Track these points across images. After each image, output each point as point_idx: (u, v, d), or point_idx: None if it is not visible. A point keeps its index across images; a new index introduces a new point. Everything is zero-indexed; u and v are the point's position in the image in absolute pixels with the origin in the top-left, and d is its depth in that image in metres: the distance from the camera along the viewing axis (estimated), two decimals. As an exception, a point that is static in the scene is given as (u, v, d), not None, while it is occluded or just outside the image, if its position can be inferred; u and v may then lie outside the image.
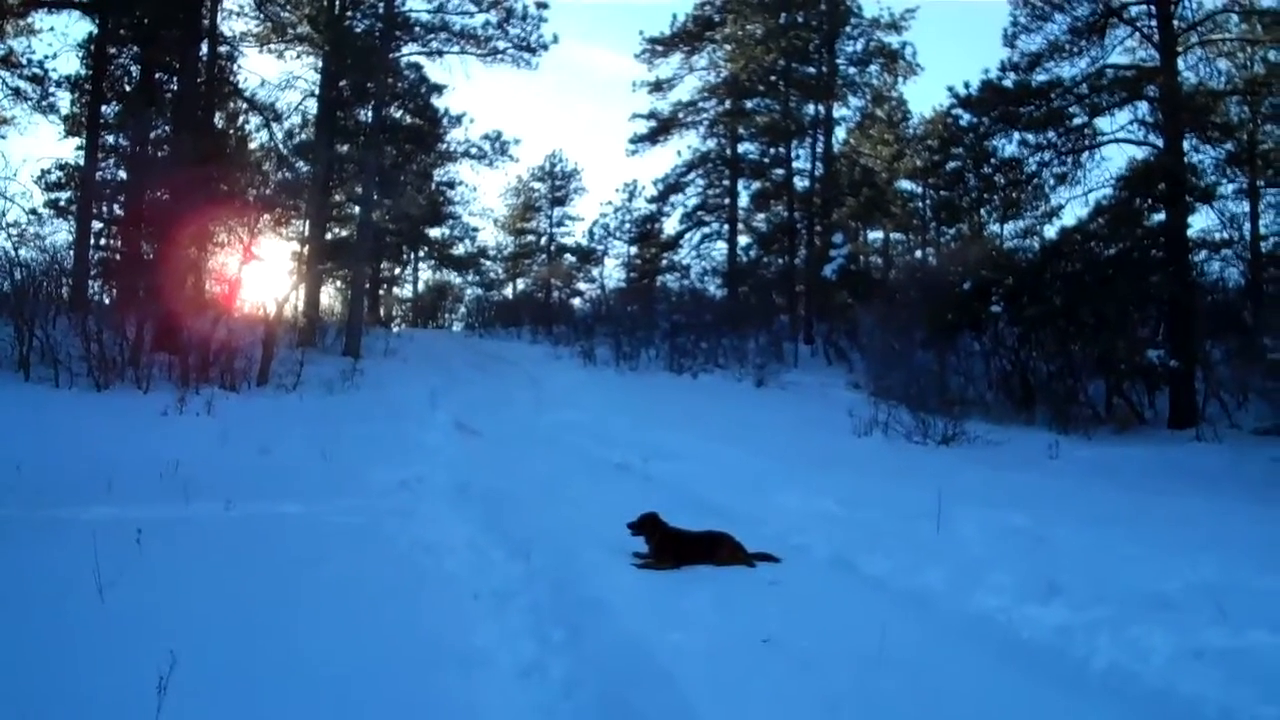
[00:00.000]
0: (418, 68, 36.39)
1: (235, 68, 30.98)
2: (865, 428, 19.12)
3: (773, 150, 43.73)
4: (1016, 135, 25.36)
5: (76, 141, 28.52)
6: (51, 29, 28.84)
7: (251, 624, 5.74)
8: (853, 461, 15.44)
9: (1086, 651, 5.77)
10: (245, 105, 31.73)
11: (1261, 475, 15.02)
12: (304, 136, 34.24)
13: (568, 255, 57.14)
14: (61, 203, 28.77)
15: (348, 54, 29.29)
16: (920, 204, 43.34)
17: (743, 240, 46.57)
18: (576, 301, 52.92)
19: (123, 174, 28.50)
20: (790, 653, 5.70)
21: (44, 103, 27.37)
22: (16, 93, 26.93)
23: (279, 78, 44.04)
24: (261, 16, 29.94)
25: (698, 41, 44.00)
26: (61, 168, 28.48)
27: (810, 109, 42.29)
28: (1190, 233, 23.89)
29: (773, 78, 41.94)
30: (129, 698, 4.43)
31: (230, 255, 25.28)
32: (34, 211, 27.30)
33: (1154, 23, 22.99)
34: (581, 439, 17.01)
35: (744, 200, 46.15)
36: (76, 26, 46.08)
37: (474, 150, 40.36)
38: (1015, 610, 6.52)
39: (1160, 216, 23.50)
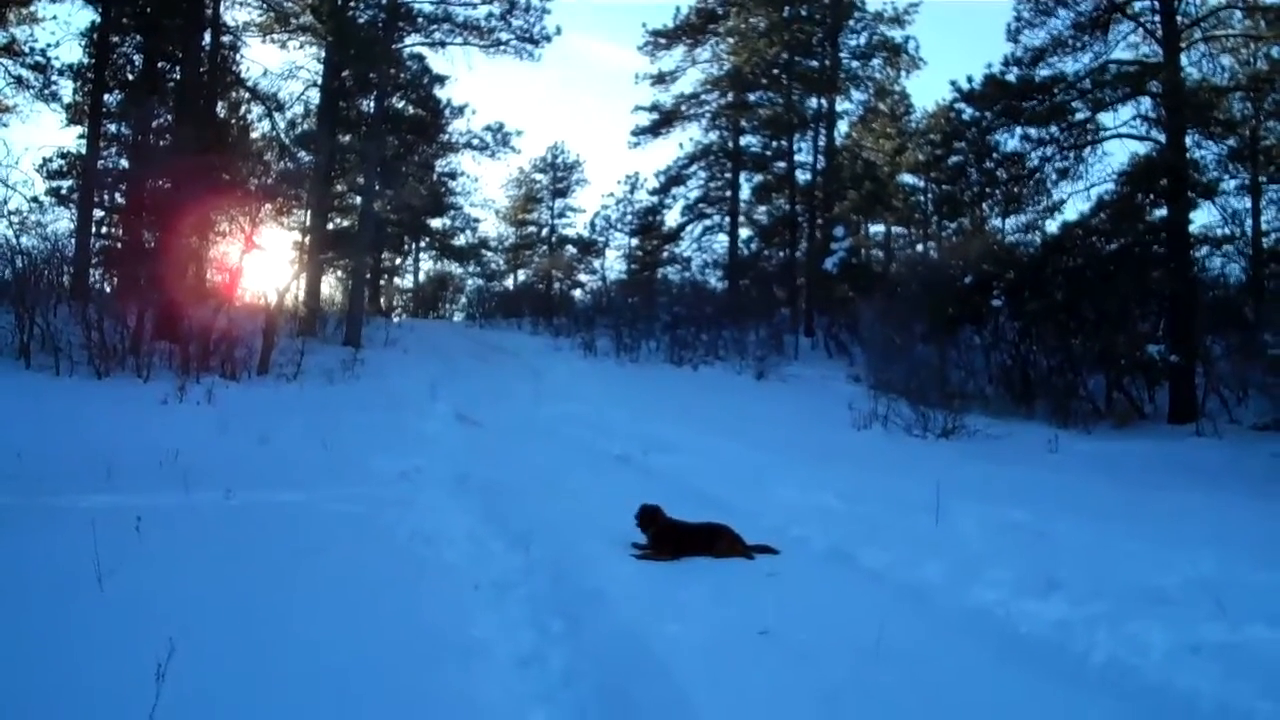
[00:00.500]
0: (420, 58, 36.45)
1: (238, 57, 30.97)
2: (865, 421, 19.15)
3: (775, 143, 43.74)
4: (1019, 130, 25.44)
5: (79, 130, 28.57)
6: (54, 18, 28.86)
7: (250, 612, 5.74)
8: (852, 454, 15.47)
9: (1085, 646, 5.76)
10: (248, 95, 31.76)
11: (1261, 470, 15.05)
12: (306, 126, 34.20)
13: (569, 247, 57.14)
14: (63, 191, 28.82)
15: (350, 44, 29.28)
16: (922, 198, 43.40)
17: (744, 233, 46.74)
18: (577, 293, 53.07)
19: (124, 163, 28.50)
20: (788, 645, 5.69)
21: (46, 91, 27.38)
22: (19, 81, 26.94)
23: (281, 67, 44.06)
24: (264, 6, 30.01)
25: (700, 34, 43.97)
26: (63, 156, 28.45)
27: (813, 102, 42.31)
28: (1192, 228, 23.99)
29: (775, 71, 41.93)
30: (128, 685, 4.43)
31: (231, 244, 25.33)
32: (35, 199, 27.42)
33: (1157, 18, 23.02)
34: (581, 430, 17.02)
35: (745, 193, 46.31)
36: (79, 15, 46.20)
37: (476, 141, 40.43)
38: (1014, 604, 6.51)
39: (1162, 212, 23.54)
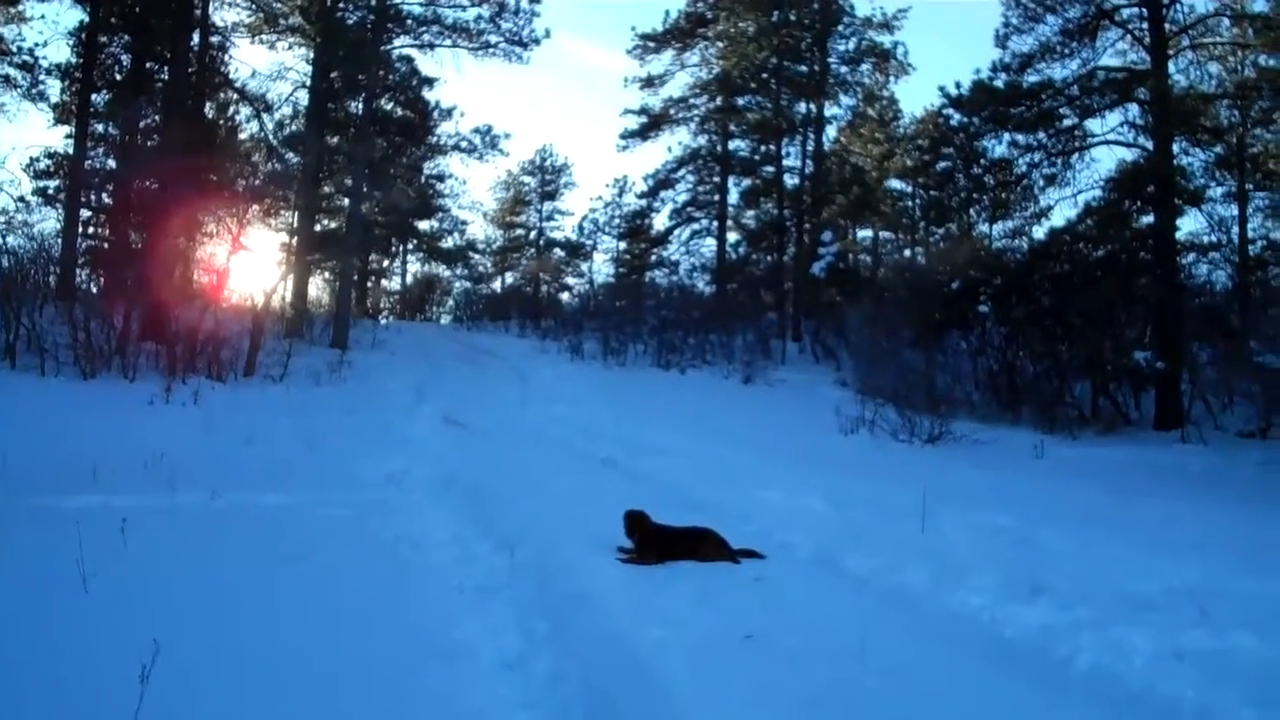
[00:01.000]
0: (409, 60, 36.53)
1: (226, 58, 30.86)
2: (852, 426, 19.16)
3: (763, 148, 43.73)
4: (1007, 136, 25.48)
5: (66, 129, 28.55)
6: (42, 17, 28.86)
7: (235, 614, 5.74)
8: (839, 459, 15.49)
9: (1068, 652, 5.78)
10: (236, 96, 31.63)
11: (1246, 478, 15.11)
12: (294, 128, 34.15)
13: (557, 250, 57.13)
14: (50, 191, 28.79)
15: (339, 46, 29.25)
16: (910, 203, 43.44)
17: (732, 237, 46.63)
18: (565, 296, 53.10)
19: (112, 163, 28.48)
20: (773, 649, 5.70)
21: (34, 90, 27.38)
22: (6, 80, 26.93)
23: (270, 68, 43.99)
24: (253, 7, 29.98)
25: (690, 38, 43.99)
26: (50, 156, 28.44)
27: (801, 107, 42.33)
28: (1178, 235, 24.08)
29: (764, 75, 41.90)
30: (112, 687, 4.43)
31: (219, 245, 25.27)
32: (22, 199, 27.41)
33: (1145, 25, 23.07)
34: (568, 434, 17.00)
35: (734, 197, 46.14)
36: (67, 14, 46.07)
37: (464, 144, 40.50)
38: (998, 610, 6.52)
39: (1149, 219, 23.63)
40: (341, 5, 30.43)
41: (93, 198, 28.22)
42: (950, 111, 27.52)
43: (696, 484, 11.82)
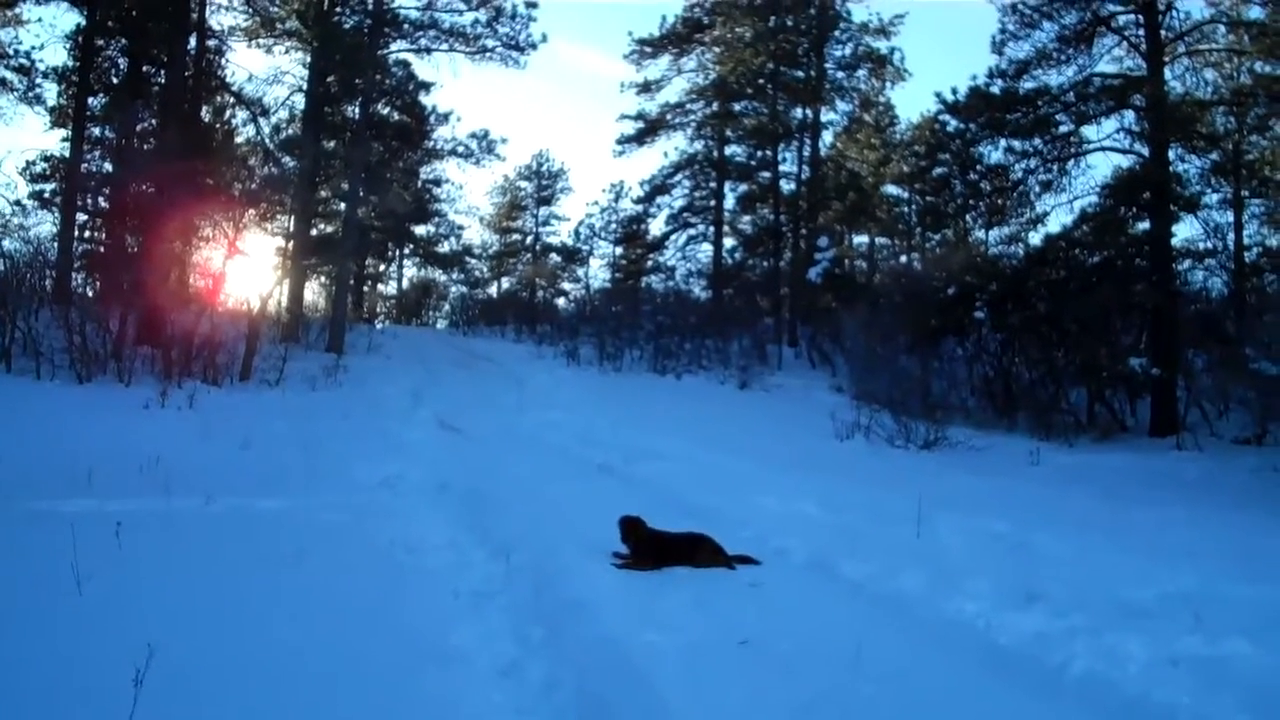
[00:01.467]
0: (405, 65, 36.46)
1: (223, 62, 30.89)
2: (847, 431, 19.15)
3: (760, 153, 43.66)
4: (1003, 142, 25.46)
5: (62, 133, 28.50)
6: (39, 20, 28.69)
7: (230, 619, 5.73)
8: (834, 465, 15.48)
9: (1063, 658, 5.77)
10: (232, 99, 31.65)
11: (1241, 485, 15.10)
12: (291, 132, 34.17)
13: (553, 255, 57.27)
14: (46, 194, 28.80)
15: (336, 50, 29.24)
16: (906, 209, 43.62)
17: (728, 242, 46.60)
18: (561, 301, 53.14)
19: (108, 166, 28.44)
20: (768, 655, 5.71)
21: (30, 94, 27.38)
22: (3, 83, 26.96)
23: (266, 72, 44.19)
24: (250, 11, 29.96)
25: (686, 44, 43.97)
26: (47, 159, 28.47)
27: (798, 113, 42.23)
28: (1174, 242, 24.04)
29: (761, 81, 41.87)
30: (105, 691, 4.42)
31: (215, 249, 25.20)
32: (18, 203, 27.42)
33: (1142, 32, 23.11)
34: (564, 439, 16.99)
35: (730, 202, 46.17)
36: (64, 18, 46.08)
37: (461, 148, 40.40)
38: (993, 616, 6.52)
39: (1145, 225, 23.61)
40: (338, 9, 30.45)
41: (89, 201, 28.18)
42: (946, 117, 27.54)
43: (692, 489, 11.81)
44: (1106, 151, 24.28)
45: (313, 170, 33.03)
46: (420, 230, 54.92)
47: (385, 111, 37.90)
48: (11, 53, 26.76)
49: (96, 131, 29.20)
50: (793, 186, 42.15)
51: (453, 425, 17.69)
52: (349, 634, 5.68)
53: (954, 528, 9.36)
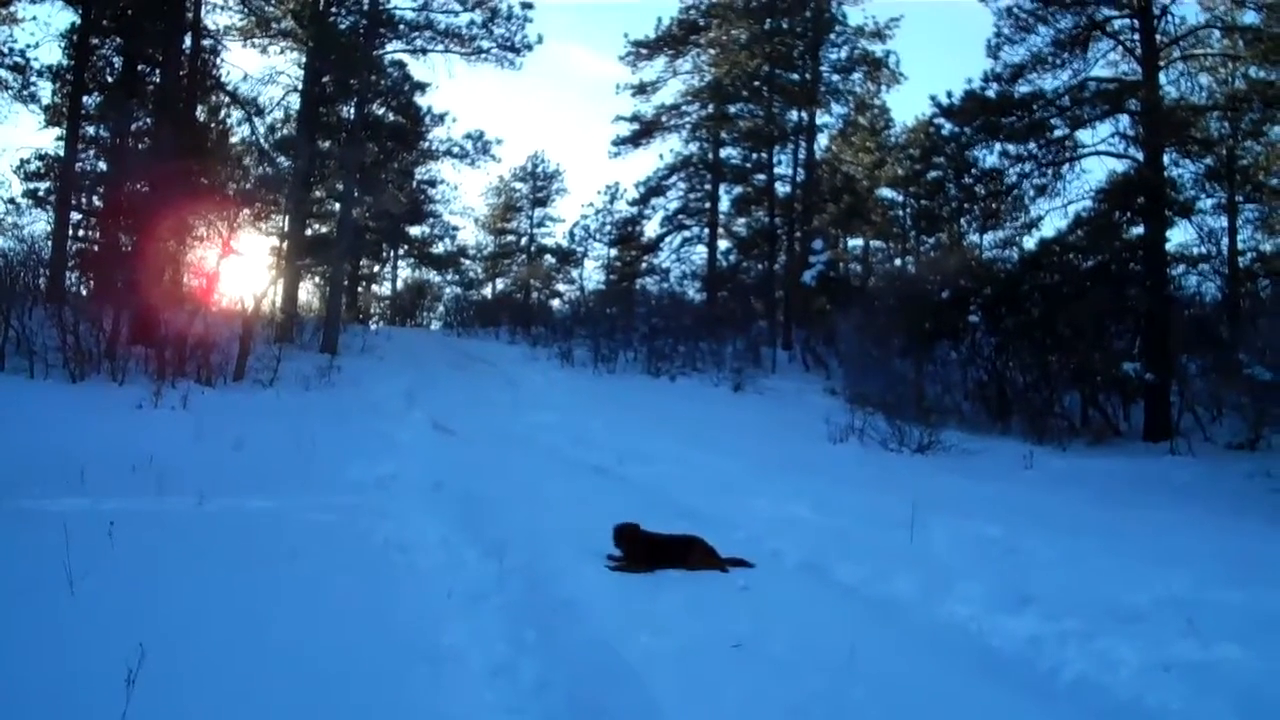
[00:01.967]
0: (401, 65, 36.42)
1: (218, 61, 30.73)
2: (841, 434, 19.17)
3: (755, 155, 43.69)
4: (998, 146, 25.51)
5: (57, 132, 28.39)
6: (34, 18, 28.61)
7: (222, 619, 5.71)
8: (828, 468, 15.50)
9: (1056, 662, 5.78)
10: (227, 99, 31.52)
11: (1234, 489, 15.12)
12: (285, 132, 34.08)
13: (548, 256, 57.26)
14: (40, 193, 28.68)
15: (331, 50, 29.19)
16: (900, 212, 43.56)
17: (723, 245, 46.66)
18: (555, 303, 53.06)
19: (103, 165, 28.40)
20: (760, 658, 5.70)
21: (25, 92, 27.23)
22: (-3, 81, 26.81)
23: (262, 72, 44.11)
24: (245, 10, 29.83)
25: (682, 45, 43.92)
26: (41, 158, 28.34)
27: (793, 115, 42.25)
28: (1168, 246, 24.12)
29: (756, 83, 41.86)
30: (97, 690, 4.41)
31: (209, 249, 25.16)
32: (12, 201, 27.33)
33: (1137, 36, 23.16)
34: (557, 440, 16.99)
35: (725, 205, 46.25)
36: (59, 16, 45.78)
37: (456, 149, 40.49)
38: (986, 620, 6.53)
39: (1139, 230, 23.70)
40: (334, 10, 30.37)
41: (83, 200, 28.15)
42: (941, 121, 27.61)
43: (685, 491, 11.82)
44: (1101, 156, 24.36)
45: (307, 170, 32.94)
46: (415, 231, 54.84)
47: (380, 112, 37.93)
48: (6, 51, 26.66)
49: (91, 130, 29.11)
50: (787, 189, 42.16)
51: (446, 426, 17.69)
52: (341, 634, 5.67)
53: (947, 531, 9.37)
